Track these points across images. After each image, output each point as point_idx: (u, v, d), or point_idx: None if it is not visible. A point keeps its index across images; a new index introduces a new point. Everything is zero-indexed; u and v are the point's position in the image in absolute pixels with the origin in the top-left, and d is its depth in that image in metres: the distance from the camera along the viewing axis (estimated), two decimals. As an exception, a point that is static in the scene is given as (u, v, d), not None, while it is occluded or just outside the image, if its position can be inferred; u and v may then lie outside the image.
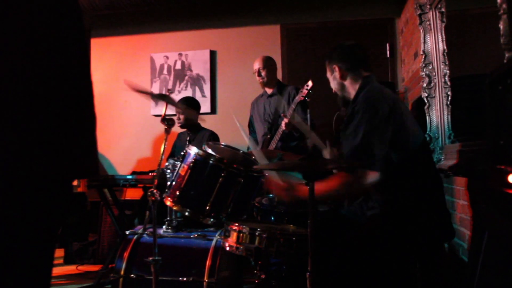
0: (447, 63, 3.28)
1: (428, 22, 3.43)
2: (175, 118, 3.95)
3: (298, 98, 3.38)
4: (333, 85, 2.28)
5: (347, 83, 2.21)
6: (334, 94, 2.34)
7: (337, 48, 2.29)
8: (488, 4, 2.18)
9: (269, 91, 3.89)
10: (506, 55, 1.62)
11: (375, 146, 1.93)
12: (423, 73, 3.41)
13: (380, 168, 1.92)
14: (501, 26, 1.64)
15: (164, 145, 2.41)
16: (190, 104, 4.04)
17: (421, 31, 3.47)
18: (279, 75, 4.59)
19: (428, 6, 3.42)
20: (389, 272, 2.00)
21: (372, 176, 1.93)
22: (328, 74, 2.30)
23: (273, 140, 3.62)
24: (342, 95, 2.27)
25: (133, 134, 5.39)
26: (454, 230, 2.09)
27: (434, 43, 3.36)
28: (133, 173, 4.49)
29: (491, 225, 1.37)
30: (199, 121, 4.17)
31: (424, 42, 3.44)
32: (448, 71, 3.27)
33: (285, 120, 3.44)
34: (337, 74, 2.21)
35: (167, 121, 2.48)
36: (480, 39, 3.50)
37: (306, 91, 3.33)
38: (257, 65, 3.82)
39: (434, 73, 3.35)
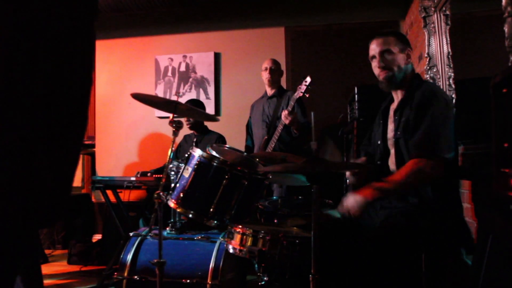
0: (451, 65, 3.28)
1: (432, 25, 3.42)
2: (183, 120, 3.96)
3: (297, 94, 3.39)
4: (397, 62, 2.20)
5: (406, 69, 2.21)
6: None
7: (400, 33, 2.34)
8: (493, 7, 2.17)
9: (269, 93, 3.92)
10: (511, 58, 1.61)
11: (448, 135, 1.99)
12: (428, 75, 3.40)
13: (447, 158, 1.98)
14: (505, 29, 1.64)
15: (172, 147, 2.40)
16: (196, 106, 4.05)
17: (426, 33, 3.47)
18: (283, 77, 4.59)
19: (432, 9, 3.42)
20: (396, 272, 1.99)
21: (441, 165, 1.97)
22: (392, 48, 2.21)
23: (271, 140, 3.63)
24: (398, 77, 2.21)
25: (137, 136, 5.40)
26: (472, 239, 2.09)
27: (438, 45, 3.36)
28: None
29: (495, 228, 1.36)
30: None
31: (429, 45, 3.44)
32: (452, 74, 3.26)
33: (285, 111, 3.45)
34: (408, 58, 2.21)
35: (176, 123, 2.44)
36: (485, 42, 3.48)
37: (305, 87, 3.34)
38: (267, 64, 3.88)
39: (438, 76, 3.34)
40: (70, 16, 0.84)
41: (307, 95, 3.40)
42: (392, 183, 2.00)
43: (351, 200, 2.01)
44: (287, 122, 3.46)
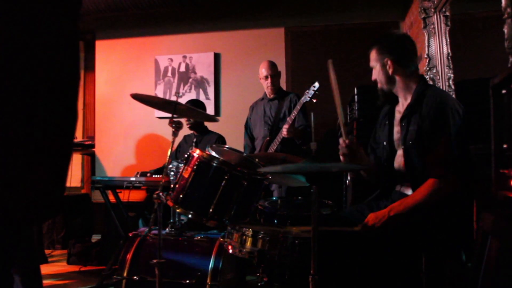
0: (451, 66, 3.28)
1: (432, 26, 3.43)
2: (183, 120, 3.96)
3: (304, 99, 3.39)
4: (380, 77, 2.16)
5: (398, 78, 2.13)
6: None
7: (387, 38, 2.21)
8: (493, 8, 2.17)
9: (270, 95, 3.92)
10: (510, 59, 1.61)
11: (464, 150, 1.97)
12: (427, 76, 3.40)
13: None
14: (505, 30, 1.64)
15: (172, 148, 2.40)
16: (197, 106, 4.05)
17: (425, 34, 3.47)
18: (283, 78, 4.60)
19: (432, 10, 3.42)
20: (396, 273, 1.99)
21: (460, 182, 1.95)
22: (375, 64, 2.17)
23: (273, 142, 3.64)
24: (387, 89, 2.17)
25: (137, 136, 5.40)
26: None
27: (438, 46, 3.36)
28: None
29: (495, 229, 1.36)
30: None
31: (428, 46, 3.44)
32: (452, 75, 3.27)
33: (286, 125, 3.46)
34: (389, 68, 2.11)
35: (175, 123, 2.44)
36: (485, 43, 3.49)
37: (313, 92, 3.34)
38: (267, 71, 3.84)
39: (438, 77, 3.35)
40: (56, 11, 0.83)
41: (314, 100, 3.39)
42: (411, 205, 1.96)
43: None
44: (288, 136, 3.49)
